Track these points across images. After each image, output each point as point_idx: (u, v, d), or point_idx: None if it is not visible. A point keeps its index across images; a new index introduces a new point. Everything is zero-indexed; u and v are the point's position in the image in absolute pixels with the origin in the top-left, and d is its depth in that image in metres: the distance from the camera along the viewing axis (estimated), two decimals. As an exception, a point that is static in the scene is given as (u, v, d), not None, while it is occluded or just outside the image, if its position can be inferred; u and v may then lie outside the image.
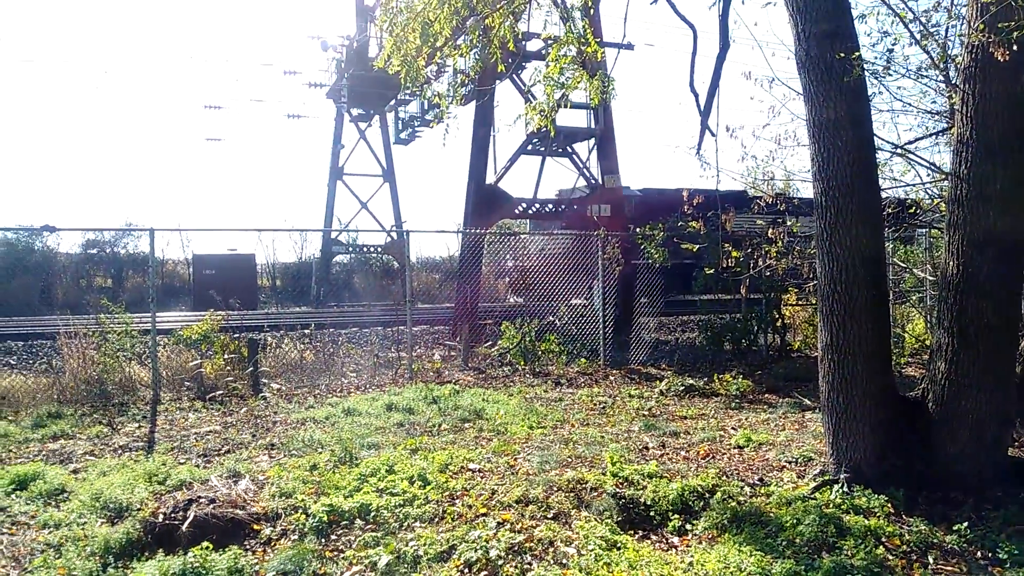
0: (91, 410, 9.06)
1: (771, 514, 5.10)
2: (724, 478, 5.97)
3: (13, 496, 5.81)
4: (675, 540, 5.00)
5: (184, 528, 4.78)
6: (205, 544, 4.57)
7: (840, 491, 5.36)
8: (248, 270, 26.37)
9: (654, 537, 5.05)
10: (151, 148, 70.50)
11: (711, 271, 12.35)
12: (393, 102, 28.54)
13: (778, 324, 13.51)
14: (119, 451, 7.30)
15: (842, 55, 5.34)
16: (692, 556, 4.58)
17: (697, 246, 12.05)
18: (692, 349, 14.39)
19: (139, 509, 5.25)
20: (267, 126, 66.61)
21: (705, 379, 10.73)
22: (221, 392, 9.94)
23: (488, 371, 12.33)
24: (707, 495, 5.50)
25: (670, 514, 5.28)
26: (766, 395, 10.11)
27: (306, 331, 12.89)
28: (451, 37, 10.16)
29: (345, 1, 61.87)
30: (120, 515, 5.23)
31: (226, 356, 10.36)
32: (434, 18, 9.28)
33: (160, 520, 4.90)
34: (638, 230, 13.41)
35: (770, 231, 11.18)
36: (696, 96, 6.62)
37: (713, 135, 6.76)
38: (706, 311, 13.98)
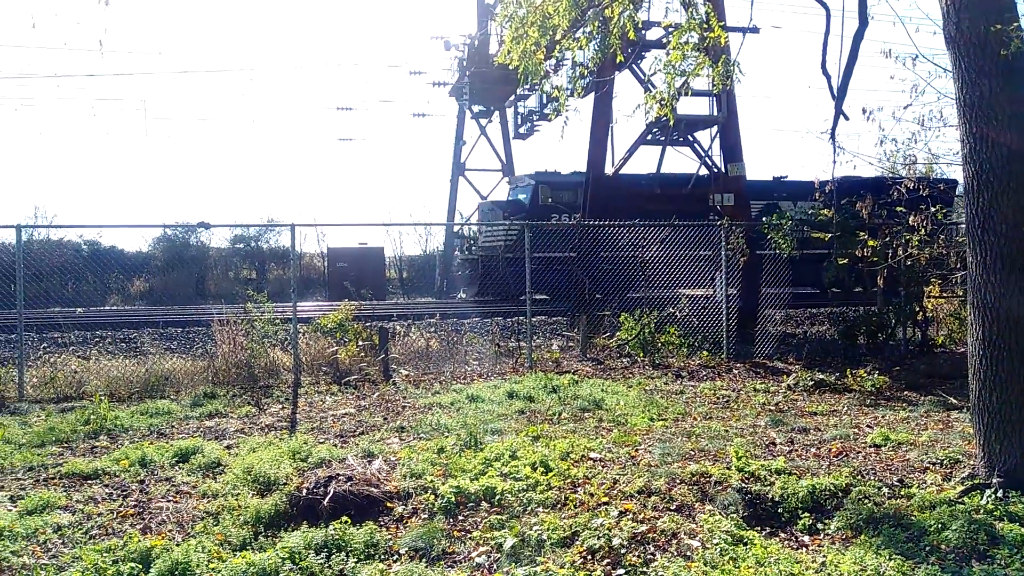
0: (240, 391, 9.87)
1: (912, 517, 4.82)
2: (859, 477, 5.69)
3: (177, 467, 6.44)
4: (805, 539, 4.83)
5: (325, 503, 5.13)
6: (344, 518, 4.89)
7: (992, 496, 4.98)
8: (377, 262, 27.66)
9: (782, 535, 4.91)
10: (290, 148, 75.15)
11: (844, 261, 11.71)
12: (512, 97, 28.92)
13: (919, 317, 12.62)
14: (265, 430, 7.91)
15: (998, 26, 4.93)
16: (824, 556, 4.42)
17: (829, 235, 11.46)
18: (822, 343, 13.70)
19: (285, 484, 5.67)
20: (394, 125, 69.23)
21: (837, 374, 10.21)
22: (355, 377, 10.53)
23: (607, 362, 12.32)
24: (840, 494, 5.28)
25: (800, 512, 5.10)
26: (905, 392, 9.50)
27: (431, 320, 13.39)
28: (569, 30, 10.19)
29: (467, 1, 63.18)
30: (268, 488, 5.68)
31: (359, 343, 10.96)
32: (553, 11, 9.34)
33: (304, 495, 5.29)
34: (764, 219, 12.92)
35: (911, 218, 10.46)
36: (828, 78, 6.31)
37: (847, 118, 6.43)
38: (838, 303, 13.27)
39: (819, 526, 4.95)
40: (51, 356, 11.70)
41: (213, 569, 4.21)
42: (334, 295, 23.64)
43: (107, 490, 5.87)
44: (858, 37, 6.14)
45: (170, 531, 4.98)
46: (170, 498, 5.67)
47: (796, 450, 6.70)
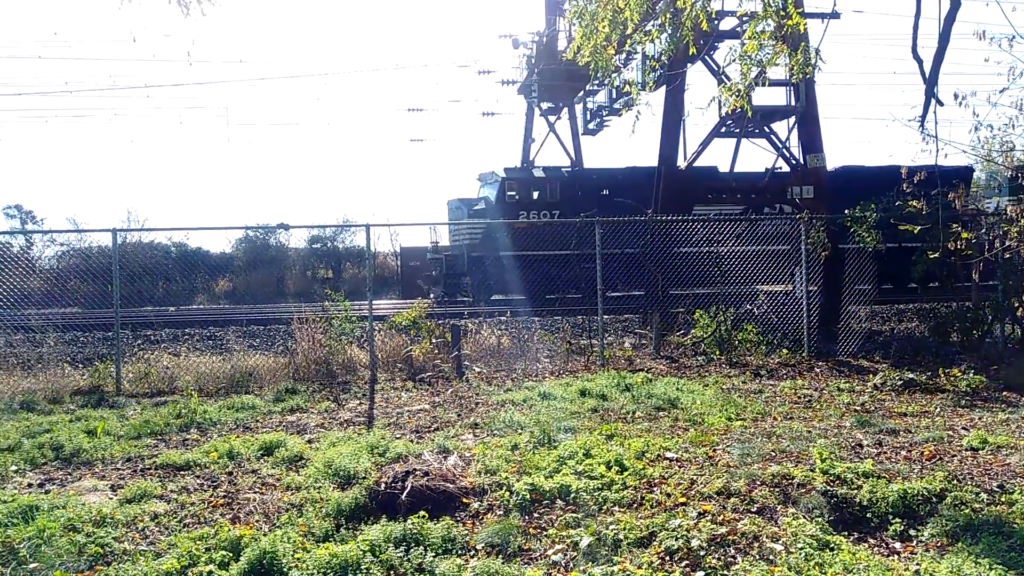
0: (319, 387, 10.17)
1: (1015, 524, 4.54)
2: (954, 482, 5.40)
3: (262, 460, 6.69)
4: (896, 545, 4.62)
5: (403, 497, 5.23)
6: (422, 513, 4.96)
7: (1105, 506, 4.64)
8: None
9: (871, 540, 4.71)
10: (364, 150, 77.00)
11: (934, 255, 11.12)
12: (581, 93, 28.74)
13: (1019, 313, 11.86)
14: (344, 424, 8.12)
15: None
16: (918, 564, 4.21)
17: (918, 228, 10.91)
18: (911, 340, 13.07)
19: (364, 478, 5.81)
20: (463, 124, 70.30)
21: (928, 373, 9.73)
22: (428, 373, 10.69)
23: (681, 360, 12.10)
24: (934, 499, 5.02)
25: (890, 517, 4.88)
26: (1004, 393, 8.96)
27: (502, 318, 13.46)
28: (640, 23, 10.04)
29: (534, -2, 63.22)
30: (348, 482, 5.83)
31: (432, 341, 11.12)
32: (624, 5, 9.22)
33: (382, 489, 5.40)
34: (847, 211, 12.42)
35: (1009, 208, 9.84)
36: (920, 62, 6.00)
37: (940, 103, 6.09)
38: (928, 299, 12.63)
39: (911, 532, 4.73)
40: (145, 353, 12.34)
41: (298, 559, 4.35)
42: (407, 293, 24.09)
43: (198, 481, 6.15)
44: (950, 18, 5.81)
45: (257, 521, 5.17)
46: (256, 489, 5.89)
47: (885, 452, 6.41)
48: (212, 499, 5.65)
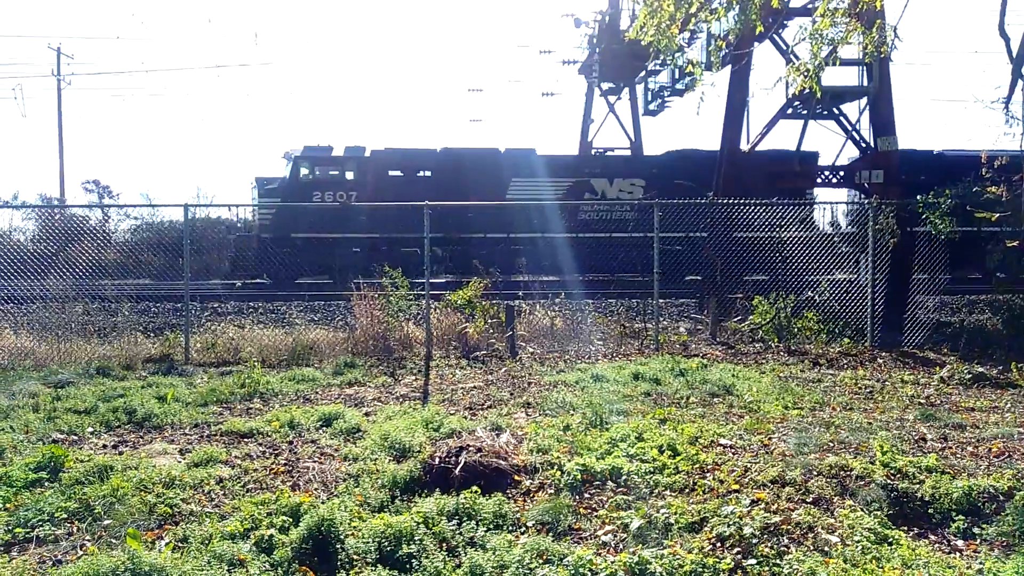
0: (376, 362, 10.39)
1: (1089, 529, 4.35)
2: (1024, 481, 5.19)
3: (321, 431, 6.90)
4: (959, 543, 4.48)
5: (457, 472, 5.32)
6: (474, 488, 5.05)
7: None
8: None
9: (932, 537, 4.58)
10: (424, 129, 77.63)
11: (1014, 243, 10.61)
12: (643, 73, 28.28)
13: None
14: (400, 399, 8.29)
15: None
16: (982, 563, 4.08)
17: (996, 215, 10.41)
18: (982, 333, 12.51)
19: (419, 451, 5.93)
20: (523, 105, 70.17)
21: (999, 368, 9.34)
22: (482, 352, 10.80)
23: (737, 346, 11.90)
24: (1002, 498, 4.84)
25: (953, 514, 4.74)
26: (1083, 391, 8.53)
27: (556, 299, 13.45)
28: (706, 1, 9.79)
29: (597, -26, 62.12)
30: (404, 455, 5.96)
31: (487, 320, 11.22)
32: (691, -19, 9.01)
33: (436, 463, 5.51)
34: (919, 197, 11.94)
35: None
36: (1007, 40, 5.69)
37: (1026, 84, 5.78)
38: (1003, 290, 12.07)
39: (975, 531, 4.58)
40: (212, 324, 12.80)
41: (354, 528, 4.49)
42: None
43: (260, 448, 6.39)
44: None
45: (316, 489, 5.35)
46: (315, 459, 6.08)
47: (950, 447, 6.20)
48: (273, 466, 5.86)
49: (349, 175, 22.87)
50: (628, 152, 29.12)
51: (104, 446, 6.56)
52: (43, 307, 11.94)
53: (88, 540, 4.53)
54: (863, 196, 15.25)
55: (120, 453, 6.28)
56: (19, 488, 5.28)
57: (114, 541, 4.47)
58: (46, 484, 5.38)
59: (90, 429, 7.03)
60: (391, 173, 22.86)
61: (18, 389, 8.64)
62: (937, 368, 9.72)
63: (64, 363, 10.33)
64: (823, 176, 20.50)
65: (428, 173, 22.85)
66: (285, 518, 4.60)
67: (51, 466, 5.62)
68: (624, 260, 20.33)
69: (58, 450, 5.87)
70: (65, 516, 4.80)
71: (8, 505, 5.01)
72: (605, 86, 30.23)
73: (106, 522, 4.74)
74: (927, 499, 4.90)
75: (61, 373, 9.59)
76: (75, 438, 6.78)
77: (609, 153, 24.92)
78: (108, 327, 11.97)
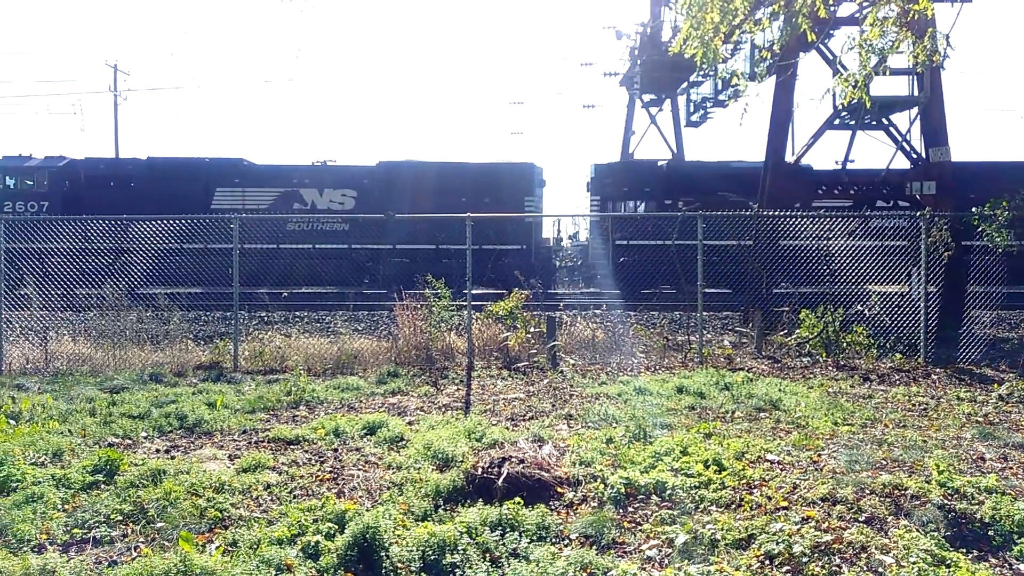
0: (419, 372, 10.47)
1: None
2: (1091, 505, 4.97)
3: (365, 439, 6.97)
4: (1021, 567, 4.31)
5: (500, 483, 5.32)
6: (517, 499, 5.04)
7: None
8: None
9: (993, 560, 4.41)
10: (465, 142, 78.31)
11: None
12: (684, 85, 28.12)
13: None
14: (442, 409, 8.33)
15: None
16: (1046, 589, 3.92)
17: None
18: (1043, 350, 12.06)
19: (461, 461, 5.94)
20: (564, 117, 70.30)
21: (1062, 386, 8.96)
22: (523, 363, 10.80)
23: (784, 360, 11.67)
24: (1067, 522, 4.64)
25: (1015, 537, 4.56)
26: None
27: (597, 311, 13.40)
28: (751, 11, 9.70)
29: (638, -13, 62.14)
30: (446, 464, 5.99)
31: (528, 331, 11.21)
32: (735, -8, 8.97)
33: (479, 473, 5.51)
34: (975, 209, 11.59)
35: None
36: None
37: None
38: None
39: (1039, 555, 4.40)
40: (259, 332, 13.06)
41: (398, 536, 4.52)
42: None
43: (306, 455, 6.49)
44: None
45: (360, 497, 5.41)
46: (360, 466, 6.15)
47: (1010, 467, 5.97)
48: (319, 473, 5.94)
49: (44, 185, 23.17)
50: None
51: (157, 450, 6.74)
52: (99, 315, 12.32)
53: (142, 542, 4.65)
54: (912, 208, 14.84)
55: (172, 457, 6.44)
56: (77, 490, 5.46)
57: (167, 543, 4.58)
58: (102, 486, 5.55)
59: (144, 434, 7.23)
60: (93, 184, 23.09)
61: (76, 394, 8.94)
62: (995, 385, 9.39)
63: (119, 369, 10.66)
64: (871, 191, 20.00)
65: (132, 184, 22.95)
66: (331, 525, 4.66)
67: (107, 469, 5.80)
68: (335, 272, 20.97)
69: (114, 453, 6.05)
70: (120, 518, 4.94)
71: (67, 506, 5.18)
72: (647, 97, 30.14)
73: (159, 525, 4.86)
74: (987, 521, 4.73)
75: (116, 379, 9.90)
76: (129, 442, 6.98)
77: (317, 163, 24.13)
78: (160, 334, 12.30)
